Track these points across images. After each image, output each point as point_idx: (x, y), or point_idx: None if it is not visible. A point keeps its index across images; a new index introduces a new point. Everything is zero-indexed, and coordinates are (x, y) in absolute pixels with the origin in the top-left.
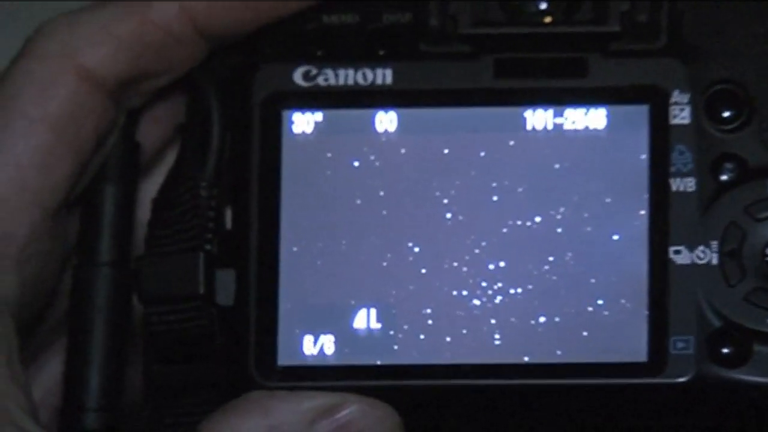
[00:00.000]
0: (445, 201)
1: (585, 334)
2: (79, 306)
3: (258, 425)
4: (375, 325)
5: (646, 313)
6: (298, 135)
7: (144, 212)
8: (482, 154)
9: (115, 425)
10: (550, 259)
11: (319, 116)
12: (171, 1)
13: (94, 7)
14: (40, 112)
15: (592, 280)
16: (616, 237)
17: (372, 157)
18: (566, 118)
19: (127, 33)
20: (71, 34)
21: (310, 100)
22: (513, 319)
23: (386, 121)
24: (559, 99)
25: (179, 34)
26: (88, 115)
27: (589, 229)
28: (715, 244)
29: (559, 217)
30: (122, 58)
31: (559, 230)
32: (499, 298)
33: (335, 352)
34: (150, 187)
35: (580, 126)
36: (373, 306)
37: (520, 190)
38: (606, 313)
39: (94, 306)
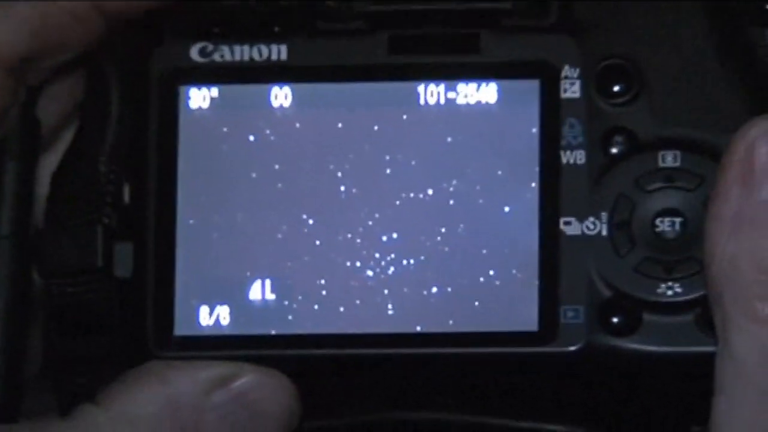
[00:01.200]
0: (339, 174)
1: (477, 304)
2: None
3: (156, 395)
4: (270, 296)
5: (537, 283)
6: (195, 110)
7: (44, 187)
8: (376, 128)
9: (15, 396)
10: (443, 230)
11: (215, 92)
12: None
13: None
14: None
15: (484, 251)
16: (507, 209)
17: (267, 132)
18: (459, 93)
19: (27, 11)
20: None
21: (206, 75)
22: (406, 290)
23: (281, 96)
24: (451, 74)
25: (79, 12)
26: None
27: (481, 201)
28: (605, 215)
29: (451, 189)
30: (23, 35)
31: (452, 202)
32: (392, 269)
33: (231, 322)
34: (50, 163)
35: (472, 101)
36: (268, 277)
37: (413, 163)
38: (497, 283)
39: None
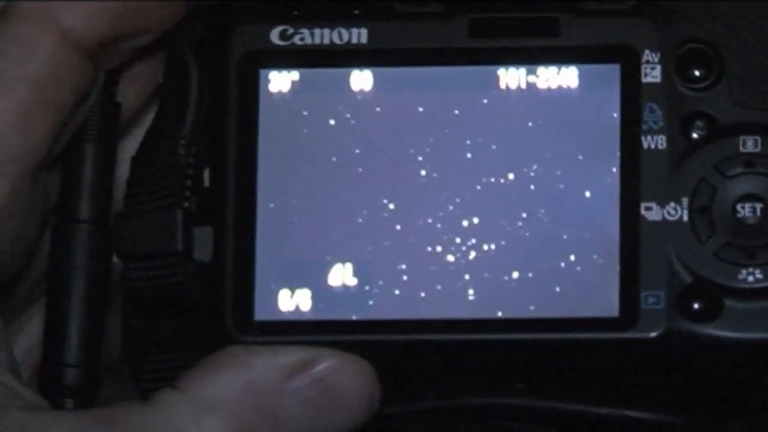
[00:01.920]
0: (420, 158)
1: (557, 289)
2: (58, 263)
3: (236, 379)
4: (350, 280)
5: (618, 268)
6: (275, 93)
7: (123, 171)
8: (456, 112)
9: (94, 381)
10: (524, 215)
11: (295, 75)
12: None
13: None
14: (20, 72)
15: (565, 237)
16: (588, 194)
17: (347, 116)
18: (539, 77)
19: None
20: None
21: (286, 59)
22: (486, 275)
23: (361, 79)
24: (531, 58)
25: None
26: (67, 75)
27: (561, 186)
28: (685, 200)
29: (532, 174)
30: (101, 18)
31: (532, 187)
32: (472, 254)
33: (311, 307)
34: (129, 147)
35: (552, 85)
36: (349, 261)
37: (493, 147)
38: (578, 268)
39: (74, 263)
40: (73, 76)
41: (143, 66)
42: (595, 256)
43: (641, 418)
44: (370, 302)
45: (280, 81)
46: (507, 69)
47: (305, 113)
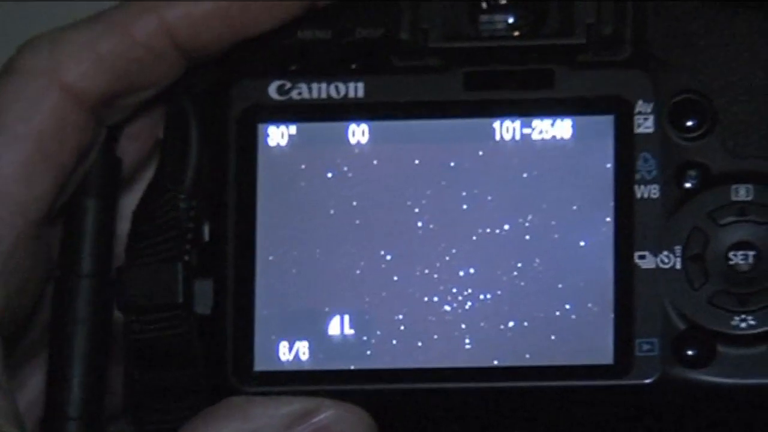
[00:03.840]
0: (417, 210)
1: (553, 337)
2: (60, 316)
3: (237, 430)
4: (349, 330)
5: (612, 316)
6: (274, 147)
7: (124, 225)
8: (452, 164)
9: None
10: (519, 265)
11: (293, 129)
12: (150, 18)
13: (77, 25)
14: (25, 127)
15: (560, 285)
16: (582, 243)
17: (345, 168)
18: (534, 129)
19: (108, 50)
20: (55, 51)
21: (284, 113)
22: (483, 324)
23: (359, 132)
24: (527, 110)
25: (159, 50)
26: (70, 131)
27: (556, 235)
28: (679, 248)
29: (527, 224)
30: (104, 74)
31: (528, 237)
32: (469, 304)
33: (310, 357)
34: (130, 201)
35: (547, 136)
36: (347, 312)
37: (489, 198)
38: (573, 317)
39: (76, 316)
40: (76, 131)
41: (144, 121)
42: (590, 304)
43: None
44: (368, 352)
45: (278, 135)
46: (502, 121)
47: (303, 166)
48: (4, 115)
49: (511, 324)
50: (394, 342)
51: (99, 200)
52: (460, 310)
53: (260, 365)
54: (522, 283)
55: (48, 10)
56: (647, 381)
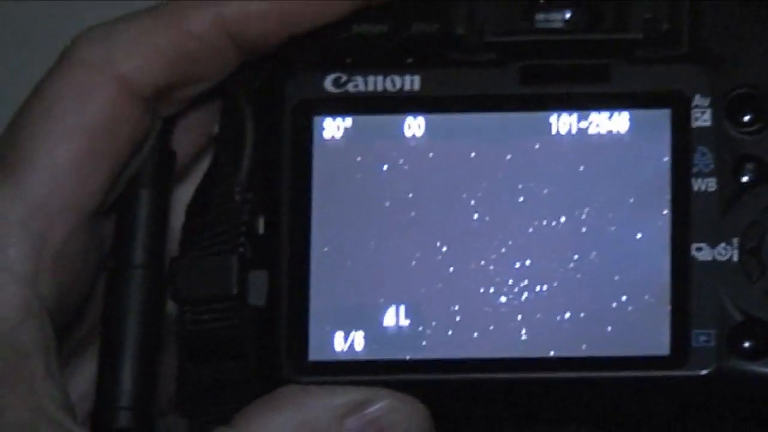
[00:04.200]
0: (473, 203)
1: (609, 329)
2: (112, 307)
3: (291, 419)
4: (404, 321)
5: (669, 308)
6: (329, 140)
7: (178, 218)
8: (508, 157)
9: (147, 423)
10: (575, 257)
11: (349, 122)
12: (206, 12)
13: (132, 17)
14: (79, 120)
15: (616, 278)
16: (639, 236)
17: (401, 161)
18: (590, 123)
19: (163, 42)
20: (109, 43)
21: (340, 106)
22: (539, 315)
23: (414, 126)
24: (583, 104)
25: (214, 43)
26: (124, 123)
27: (613, 228)
28: (736, 241)
29: (583, 217)
30: (159, 67)
31: (584, 230)
32: (525, 295)
33: (365, 347)
34: (184, 194)
35: (603, 130)
36: (402, 303)
37: (545, 191)
38: (630, 308)
39: (128, 307)
40: (130, 124)
41: (198, 114)
42: (646, 296)
43: None
44: (424, 343)
45: (333, 127)
46: (559, 115)
47: (358, 159)
48: (58, 108)
49: (567, 315)
50: (450, 333)
51: (153, 192)
52: (516, 302)
53: (315, 355)
54: (578, 275)
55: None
56: (703, 372)
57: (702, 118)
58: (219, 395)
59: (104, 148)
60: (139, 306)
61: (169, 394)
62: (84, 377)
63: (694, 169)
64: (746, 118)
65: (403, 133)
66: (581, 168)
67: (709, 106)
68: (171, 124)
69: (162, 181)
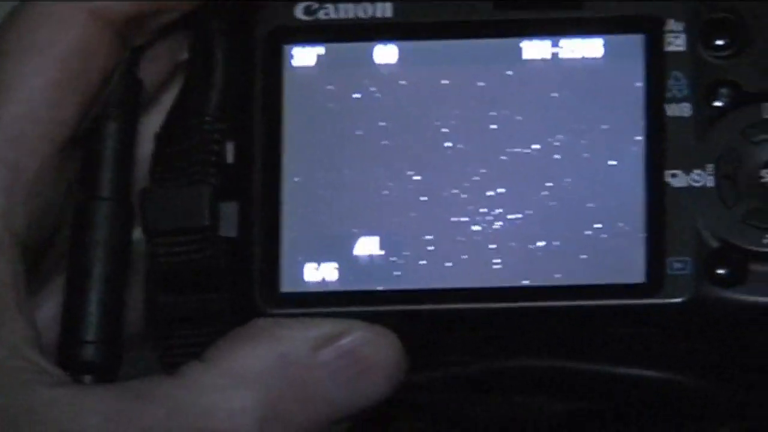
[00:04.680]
0: (445, 130)
1: (583, 257)
2: (79, 239)
3: (265, 352)
4: (377, 252)
5: (644, 235)
6: (300, 68)
7: (144, 148)
8: (481, 84)
9: (114, 357)
10: (549, 185)
11: (320, 50)
12: None
13: None
14: (52, 51)
15: (590, 205)
16: (613, 162)
17: (372, 89)
18: (563, 48)
19: None
20: None
21: (311, 34)
22: (512, 244)
23: (386, 53)
24: (556, 30)
25: None
26: (96, 53)
27: (586, 155)
28: (711, 167)
29: (557, 144)
30: None
31: (557, 157)
32: (498, 224)
33: (338, 279)
34: (151, 124)
35: (577, 55)
36: (375, 233)
37: (518, 118)
38: (604, 236)
39: (95, 239)
40: (103, 54)
41: (165, 43)
42: (620, 224)
43: (660, 378)
44: (397, 273)
45: (304, 56)
46: (531, 41)
47: (330, 87)
48: (32, 37)
49: (541, 243)
50: (423, 262)
51: (119, 122)
52: (489, 230)
53: (287, 287)
54: (552, 203)
55: None
56: (679, 300)
57: (676, 42)
58: (190, 328)
59: (77, 78)
60: (106, 238)
61: (136, 327)
62: (48, 309)
63: (668, 95)
64: (721, 42)
65: (374, 60)
66: (554, 94)
67: (683, 31)
68: (139, 53)
69: (129, 111)
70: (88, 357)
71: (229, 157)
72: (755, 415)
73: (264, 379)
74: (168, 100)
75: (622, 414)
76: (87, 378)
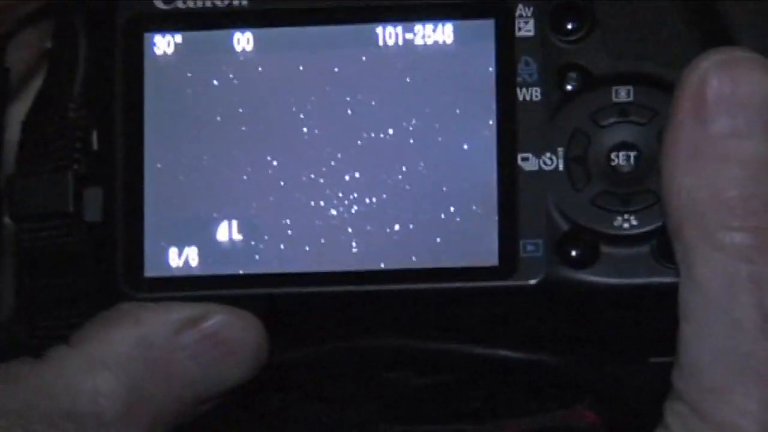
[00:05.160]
0: (302, 116)
1: (438, 240)
2: None
3: (128, 335)
4: (237, 236)
5: (496, 218)
6: (160, 56)
7: (12, 134)
8: (336, 70)
9: None
10: (404, 169)
11: (179, 38)
12: None
13: None
14: None
15: (444, 189)
16: (466, 146)
17: (231, 76)
18: (416, 34)
19: None
20: None
21: (170, 22)
22: (369, 228)
23: (243, 41)
24: (408, 15)
25: None
26: None
27: (440, 139)
28: (561, 150)
29: (411, 128)
30: None
31: (412, 141)
32: (355, 208)
33: (199, 263)
34: (19, 111)
35: (429, 41)
36: (235, 218)
37: (373, 103)
38: (458, 219)
39: None
40: None
41: (31, 31)
42: (474, 207)
43: (514, 358)
44: (257, 257)
45: (164, 44)
46: (385, 27)
47: (189, 75)
48: None
49: (396, 227)
50: (282, 246)
51: None
52: (346, 214)
53: (150, 271)
54: (407, 187)
55: None
56: (532, 282)
57: (525, 27)
58: (58, 310)
59: None
60: None
61: (8, 309)
62: None
63: (519, 79)
64: (570, 26)
65: (232, 48)
66: (408, 79)
67: (532, 16)
68: (4, 41)
69: None
70: None
71: (95, 145)
72: (609, 388)
73: (126, 361)
74: (36, 87)
75: (483, 386)
76: None
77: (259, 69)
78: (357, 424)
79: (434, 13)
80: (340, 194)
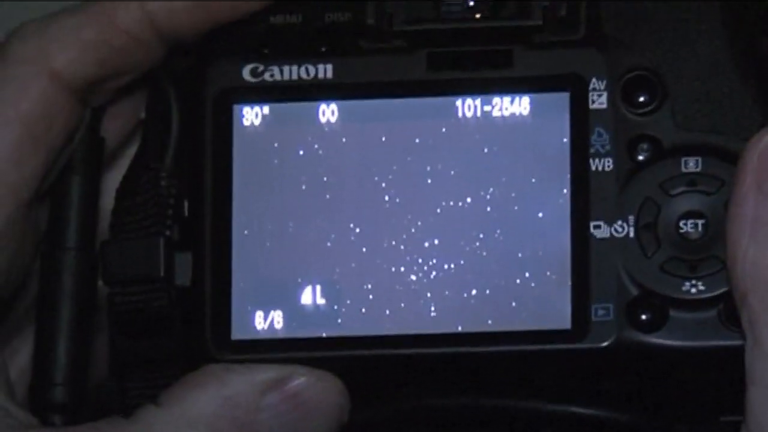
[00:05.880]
0: (383, 185)
1: (513, 304)
2: (47, 288)
3: (214, 396)
4: (320, 300)
5: (570, 283)
6: (248, 127)
7: (108, 201)
8: (417, 140)
9: (81, 399)
10: (481, 236)
11: (266, 109)
12: (134, 7)
13: (64, 14)
14: (15, 112)
15: (520, 255)
16: (540, 214)
17: (316, 146)
18: (494, 106)
19: (93, 37)
20: (43, 39)
21: (258, 94)
22: (447, 292)
23: (328, 112)
24: (487, 88)
25: (141, 37)
26: (57, 114)
27: (516, 207)
28: (632, 218)
29: (488, 197)
30: (89, 60)
31: (489, 209)
32: (434, 273)
33: (284, 326)
34: (114, 179)
35: (507, 113)
36: (319, 283)
37: (452, 173)
38: (533, 284)
39: (61, 288)
40: (63, 114)
41: (126, 102)
42: (548, 273)
43: (587, 415)
44: (339, 320)
45: (252, 115)
46: (464, 99)
47: (276, 145)
48: None
49: (473, 292)
50: (363, 310)
51: (83, 177)
52: (425, 280)
53: (237, 334)
54: (484, 253)
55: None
56: (603, 344)
57: (599, 100)
58: (148, 371)
59: (39, 137)
60: (72, 286)
61: (103, 370)
62: (24, 355)
63: (592, 150)
64: (641, 99)
65: (317, 119)
66: (485, 150)
67: (605, 89)
68: (100, 112)
69: (92, 167)
70: (57, 399)
71: (186, 211)
72: None
73: (212, 422)
74: (131, 155)
75: None
76: (56, 418)
77: (343, 139)
78: None
79: (511, 87)
80: (420, 260)
